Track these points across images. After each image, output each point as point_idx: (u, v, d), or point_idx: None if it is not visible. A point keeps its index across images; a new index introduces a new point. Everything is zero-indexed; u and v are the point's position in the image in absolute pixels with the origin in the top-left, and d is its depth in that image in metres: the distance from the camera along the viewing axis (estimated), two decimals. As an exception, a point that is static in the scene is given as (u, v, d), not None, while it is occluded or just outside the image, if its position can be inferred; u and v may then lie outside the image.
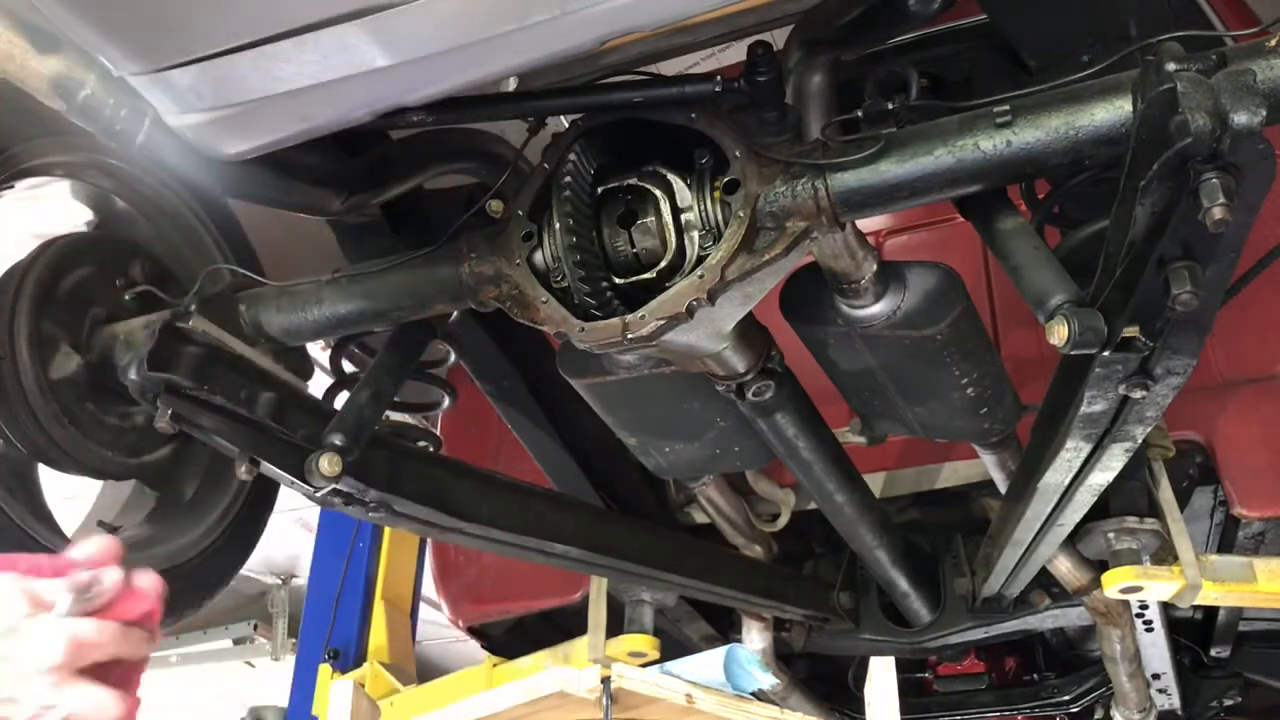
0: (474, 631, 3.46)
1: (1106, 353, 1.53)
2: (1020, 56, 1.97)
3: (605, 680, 2.54)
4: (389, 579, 4.03)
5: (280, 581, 7.59)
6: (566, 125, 1.69)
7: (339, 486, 1.77)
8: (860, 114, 1.61)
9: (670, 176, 1.63)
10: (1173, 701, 3.37)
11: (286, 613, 7.50)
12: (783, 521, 2.95)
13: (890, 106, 1.60)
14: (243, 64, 1.37)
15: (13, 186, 1.88)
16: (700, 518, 2.97)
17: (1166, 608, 2.88)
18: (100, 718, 1.04)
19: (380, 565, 4.04)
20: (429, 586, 3.87)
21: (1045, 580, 2.90)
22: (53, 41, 1.41)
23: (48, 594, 1.04)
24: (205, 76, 1.40)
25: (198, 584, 2.10)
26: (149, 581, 1.11)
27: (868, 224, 2.76)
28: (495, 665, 3.28)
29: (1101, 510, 2.38)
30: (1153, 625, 2.91)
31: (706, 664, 2.71)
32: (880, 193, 1.55)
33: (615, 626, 2.95)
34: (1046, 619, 3.12)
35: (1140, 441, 1.84)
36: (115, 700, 1.04)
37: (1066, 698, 3.65)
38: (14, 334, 1.77)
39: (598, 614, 2.99)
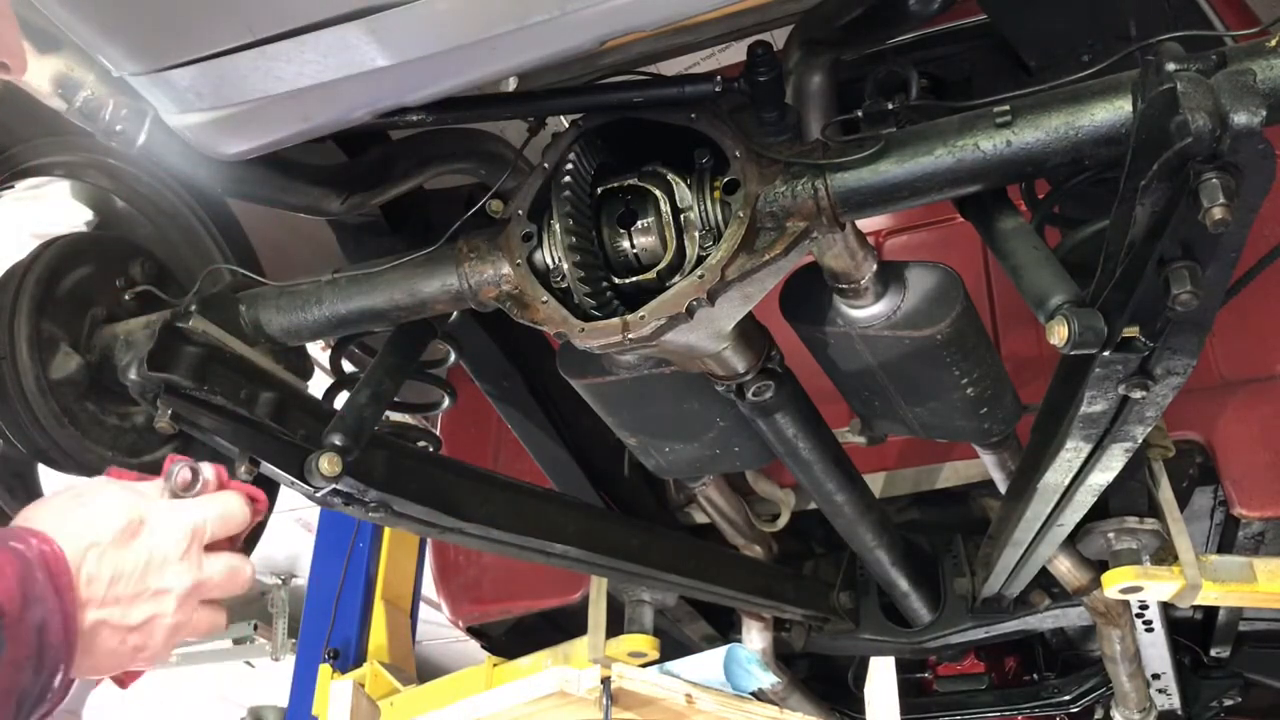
0: (474, 631, 3.47)
1: (1106, 353, 1.53)
2: (1020, 56, 1.97)
3: (605, 680, 2.54)
4: (389, 579, 4.03)
5: (280, 581, 7.60)
6: (566, 125, 1.69)
7: (339, 486, 1.77)
8: (860, 114, 1.61)
9: (670, 176, 1.62)
10: (1173, 701, 3.38)
11: (286, 613, 7.50)
12: (783, 521, 2.96)
13: (890, 106, 1.60)
14: (243, 64, 1.38)
15: (13, 186, 1.88)
16: (700, 518, 2.97)
17: (1166, 608, 2.88)
18: (237, 582, 1.08)
19: (380, 565, 4.04)
20: (429, 586, 3.87)
21: (1045, 580, 2.90)
22: (53, 41, 1.41)
23: (150, 491, 1.08)
24: (205, 76, 1.40)
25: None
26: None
27: (868, 224, 2.76)
28: (495, 665, 3.28)
29: (1101, 510, 2.38)
30: (1153, 625, 2.91)
31: (706, 664, 2.72)
32: (880, 193, 1.55)
33: (615, 626, 2.95)
34: (1046, 619, 3.12)
35: (1140, 441, 1.84)
36: (245, 562, 1.10)
37: (1066, 698, 3.65)
38: (14, 334, 1.77)
39: (598, 614, 2.99)
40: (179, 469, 1.10)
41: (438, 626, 5.65)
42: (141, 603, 1.00)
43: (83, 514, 1.00)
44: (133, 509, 1.03)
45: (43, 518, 0.98)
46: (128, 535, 1.01)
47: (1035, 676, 3.85)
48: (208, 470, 1.11)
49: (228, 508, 1.09)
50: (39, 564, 0.92)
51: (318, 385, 2.02)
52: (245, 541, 1.17)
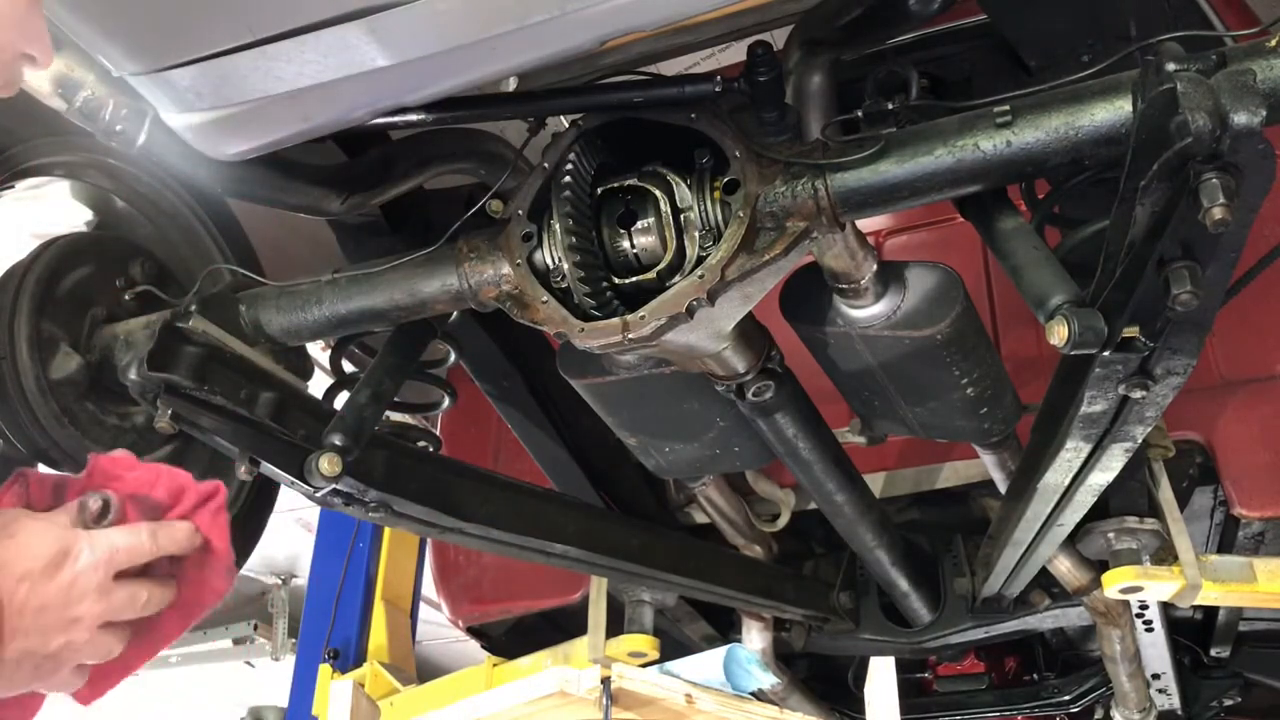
0: (474, 631, 3.47)
1: (1106, 353, 1.53)
2: (1020, 56, 1.97)
3: (605, 680, 2.54)
4: (389, 579, 4.03)
5: (280, 581, 7.59)
6: (566, 125, 1.69)
7: (339, 486, 1.77)
8: (860, 114, 1.61)
9: (670, 176, 1.62)
10: (1173, 701, 3.37)
11: (286, 613, 7.49)
12: (783, 521, 2.95)
13: (890, 106, 1.60)
14: (243, 64, 1.38)
15: (13, 186, 1.88)
16: (700, 518, 2.97)
17: (1166, 608, 2.88)
18: (135, 607, 1.10)
19: (380, 565, 4.04)
20: (429, 586, 3.87)
21: (1045, 580, 2.90)
22: (53, 41, 1.41)
23: (62, 521, 1.09)
24: (205, 76, 1.40)
25: (198, 584, 2.10)
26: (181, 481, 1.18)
27: (868, 224, 2.76)
28: (495, 665, 3.28)
29: (1101, 510, 2.38)
30: (1153, 625, 2.91)
31: (706, 664, 2.72)
32: (880, 193, 1.55)
33: (615, 626, 2.95)
34: (1046, 619, 3.12)
35: (1140, 441, 1.84)
36: (152, 591, 1.12)
37: (1066, 698, 3.65)
38: (14, 334, 1.77)
39: (598, 614, 2.99)
40: (91, 499, 1.13)
41: (438, 626, 5.64)
42: (58, 632, 1.03)
43: (12, 546, 1.02)
44: (58, 540, 1.06)
45: None
46: (54, 567, 1.03)
47: (1035, 676, 3.85)
48: (115, 500, 1.13)
49: (137, 539, 1.12)
50: None
51: (318, 385, 2.02)
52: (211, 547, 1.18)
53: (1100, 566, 2.62)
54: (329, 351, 2.12)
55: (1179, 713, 3.45)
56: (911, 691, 3.85)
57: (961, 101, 1.57)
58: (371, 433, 1.83)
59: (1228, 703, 3.55)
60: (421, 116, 1.57)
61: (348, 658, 3.78)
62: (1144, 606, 2.82)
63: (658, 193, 1.61)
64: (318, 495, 1.78)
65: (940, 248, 3.14)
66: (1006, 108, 1.50)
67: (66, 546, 1.05)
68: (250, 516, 2.25)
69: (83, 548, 1.06)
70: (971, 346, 1.90)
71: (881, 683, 2.83)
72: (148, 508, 1.16)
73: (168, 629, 1.17)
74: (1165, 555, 2.48)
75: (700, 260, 1.57)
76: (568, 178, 1.61)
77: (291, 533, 6.52)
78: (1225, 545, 2.91)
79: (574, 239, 1.59)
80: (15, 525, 1.06)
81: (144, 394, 1.77)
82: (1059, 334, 1.49)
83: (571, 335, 1.59)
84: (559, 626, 3.39)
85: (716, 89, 1.55)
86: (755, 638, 3.18)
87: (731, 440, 2.22)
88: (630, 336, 1.55)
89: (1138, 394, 1.61)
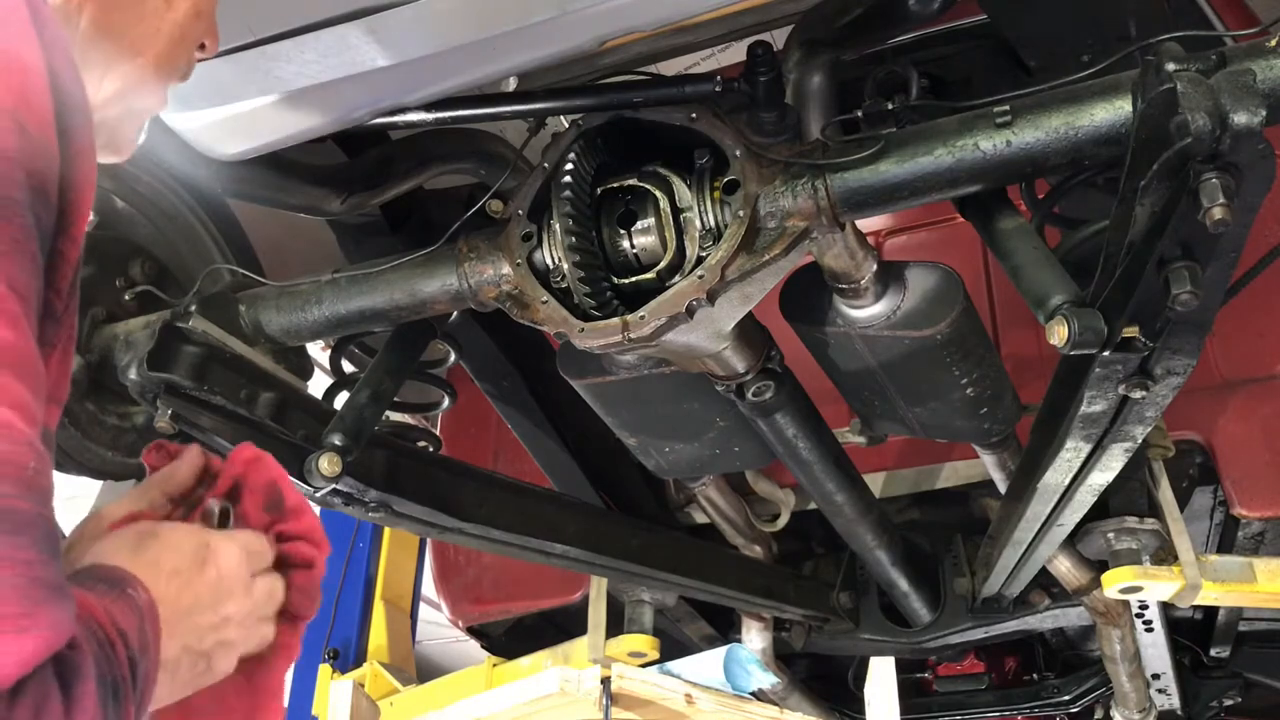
0: (474, 631, 3.47)
1: (1106, 353, 1.53)
2: (1020, 56, 1.97)
3: (605, 680, 2.54)
4: (389, 579, 4.03)
5: (280, 581, 7.58)
6: (566, 125, 1.69)
7: (339, 486, 1.77)
8: (860, 114, 1.61)
9: (670, 177, 1.63)
10: (1173, 701, 3.37)
11: (287, 613, 7.49)
12: (783, 521, 2.95)
13: (890, 106, 1.60)
14: (243, 64, 1.38)
15: (13, 186, 1.87)
16: (700, 518, 2.97)
17: (1166, 608, 2.88)
18: (274, 602, 1.12)
19: (380, 565, 4.05)
20: (429, 586, 3.87)
21: (1045, 580, 2.90)
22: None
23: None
24: (205, 76, 1.40)
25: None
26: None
27: (868, 224, 2.76)
28: (495, 665, 3.28)
29: (1101, 510, 2.38)
30: (1153, 625, 2.91)
31: (706, 664, 2.72)
32: (880, 193, 1.55)
33: (615, 626, 2.95)
34: (1046, 619, 3.12)
35: (1140, 441, 1.84)
36: (279, 582, 1.14)
37: (1066, 698, 3.65)
38: (14, 334, 1.77)
39: (598, 614, 2.99)
40: (213, 506, 1.14)
41: (438, 626, 5.65)
42: (211, 630, 1.03)
43: (157, 545, 1.02)
44: (199, 538, 1.06)
45: (125, 558, 0.99)
46: (201, 564, 1.03)
47: (1035, 676, 3.84)
48: (234, 510, 1.16)
49: (263, 543, 1.13)
50: (148, 615, 0.93)
51: (318, 385, 2.02)
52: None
53: (1100, 566, 2.62)
54: (329, 351, 2.12)
55: (1179, 713, 3.45)
56: (911, 691, 3.85)
57: (961, 101, 1.57)
58: (371, 433, 1.83)
59: (1228, 703, 3.54)
60: (421, 116, 1.57)
61: (348, 658, 3.78)
62: (1144, 606, 2.82)
63: (657, 193, 1.61)
64: (318, 495, 1.78)
65: (940, 248, 3.14)
66: (1006, 108, 1.50)
67: (208, 544, 1.05)
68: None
69: (223, 546, 1.06)
70: (971, 346, 1.90)
71: (881, 683, 2.83)
72: (267, 509, 1.17)
73: (286, 638, 1.17)
74: (1165, 555, 2.48)
75: (700, 260, 1.57)
76: (568, 178, 1.61)
77: (291, 533, 6.53)
78: (1225, 545, 2.91)
79: (574, 239, 1.59)
80: (155, 527, 1.06)
81: (144, 394, 1.77)
82: (1059, 334, 1.49)
83: (571, 335, 1.59)
84: (559, 626, 3.39)
85: (716, 89, 1.55)
86: (755, 638, 3.18)
87: (731, 440, 2.22)
88: (630, 336, 1.55)
89: (1138, 394, 1.61)
